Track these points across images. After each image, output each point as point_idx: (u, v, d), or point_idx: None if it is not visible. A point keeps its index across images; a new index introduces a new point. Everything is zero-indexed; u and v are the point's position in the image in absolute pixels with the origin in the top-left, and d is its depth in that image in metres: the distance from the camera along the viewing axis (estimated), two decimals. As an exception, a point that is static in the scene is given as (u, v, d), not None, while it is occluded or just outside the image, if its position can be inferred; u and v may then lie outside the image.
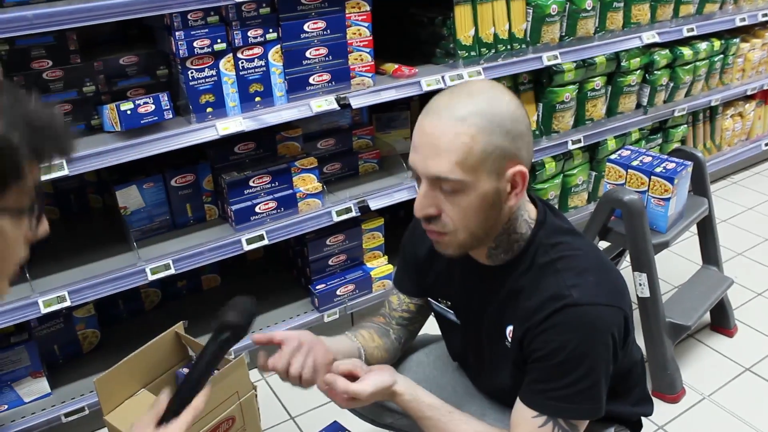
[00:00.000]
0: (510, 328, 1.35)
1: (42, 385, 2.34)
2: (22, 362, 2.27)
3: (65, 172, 2.01)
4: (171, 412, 1.21)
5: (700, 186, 2.58)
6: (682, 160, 2.36)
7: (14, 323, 2.16)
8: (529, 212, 1.32)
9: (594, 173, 3.36)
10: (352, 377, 1.37)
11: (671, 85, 3.42)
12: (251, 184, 2.40)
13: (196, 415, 1.21)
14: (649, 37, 3.14)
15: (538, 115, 3.06)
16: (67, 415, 2.29)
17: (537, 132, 3.06)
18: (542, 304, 1.25)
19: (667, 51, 3.35)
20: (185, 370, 2.13)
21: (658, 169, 2.30)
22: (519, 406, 1.30)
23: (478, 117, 1.16)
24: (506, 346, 1.37)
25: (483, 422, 1.38)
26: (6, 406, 2.29)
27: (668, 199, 2.29)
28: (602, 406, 1.29)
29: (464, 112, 1.17)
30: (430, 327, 1.72)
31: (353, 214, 2.54)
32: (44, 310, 2.12)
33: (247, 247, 2.36)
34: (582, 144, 3.13)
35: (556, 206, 3.27)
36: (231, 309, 1.27)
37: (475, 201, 1.20)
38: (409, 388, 1.40)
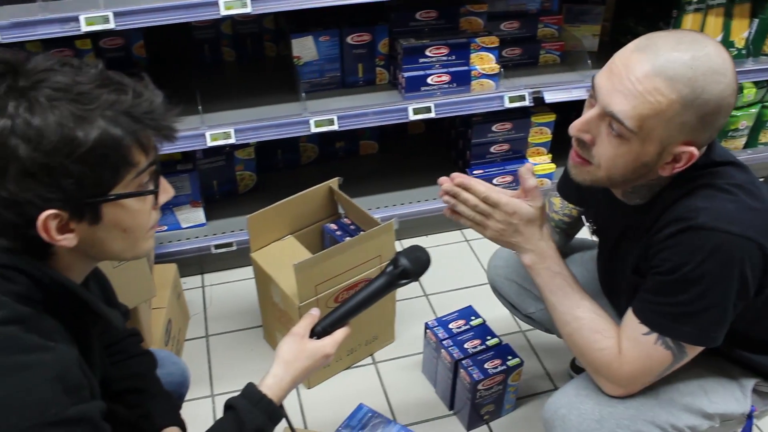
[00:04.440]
0: (630, 259, 1.34)
1: (198, 214, 2.46)
2: (184, 190, 2.39)
3: (248, 9, 2.00)
4: (324, 328, 1.31)
5: None
6: None
7: (182, 151, 2.25)
8: None
9: (798, 110, 2.99)
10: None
11: None
12: (427, 53, 2.31)
13: (347, 336, 1.33)
14: None
15: (749, 32, 2.71)
16: (216, 246, 2.40)
17: (744, 52, 2.73)
18: (666, 225, 1.20)
19: None
20: (333, 226, 2.15)
21: None
22: (629, 310, 1.28)
23: (687, 86, 1.08)
24: (628, 274, 1.35)
25: (602, 309, 1.34)
26: (166, 227, 2.44)
27: None
28: (712, 337, 1.22)
29: (677, 73, 1.07)
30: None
31: (526, 103, 2.40)
32: (210, 143, 2.19)
33: (412, 117, 2.30)
34: (794, 73, 2.77)
35: (744, 139, 2.97)
36: (410, 254, 1.36)
37: (630, 155, 1.16)
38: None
